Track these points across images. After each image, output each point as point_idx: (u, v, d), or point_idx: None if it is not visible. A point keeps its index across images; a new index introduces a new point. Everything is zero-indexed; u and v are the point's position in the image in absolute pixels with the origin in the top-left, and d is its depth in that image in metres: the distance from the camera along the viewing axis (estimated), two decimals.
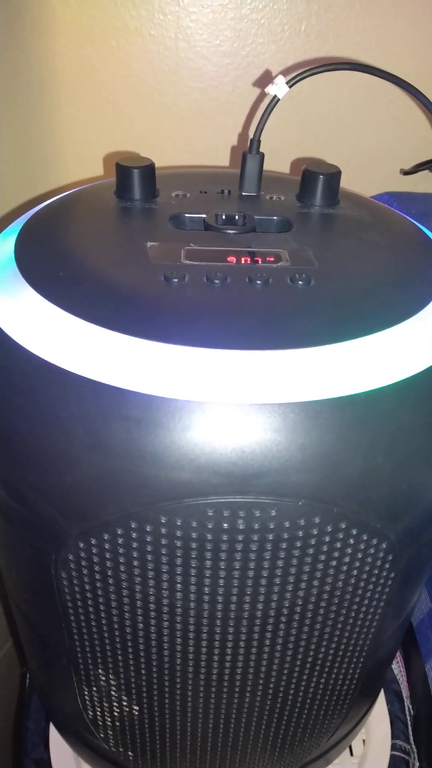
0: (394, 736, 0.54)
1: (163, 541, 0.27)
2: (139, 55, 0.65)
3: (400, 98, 0.66)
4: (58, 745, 0.51)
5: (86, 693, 0.39)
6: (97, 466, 0.26)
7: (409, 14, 0.63)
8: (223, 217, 0.35)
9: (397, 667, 0.59)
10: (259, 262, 0.31)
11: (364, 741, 0.54)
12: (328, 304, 0.28)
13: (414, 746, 0.54)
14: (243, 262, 0.31)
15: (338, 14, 0.63)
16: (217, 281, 0.29)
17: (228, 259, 0.31)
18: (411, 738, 0.54)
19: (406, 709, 0.56)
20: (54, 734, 0.52)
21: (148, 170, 0.37)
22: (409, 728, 0.55)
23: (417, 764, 0.53)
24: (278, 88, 0.36)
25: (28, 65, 0.63)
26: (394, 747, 0.53)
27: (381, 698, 0.56)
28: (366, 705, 0.47)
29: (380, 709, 0.55)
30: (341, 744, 0.48)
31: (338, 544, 0.28)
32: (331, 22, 0.63)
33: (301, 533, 0.27)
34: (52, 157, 0.70)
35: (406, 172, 0.65)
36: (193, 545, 0.27)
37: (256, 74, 0.66)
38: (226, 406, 0.25)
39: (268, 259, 0.31)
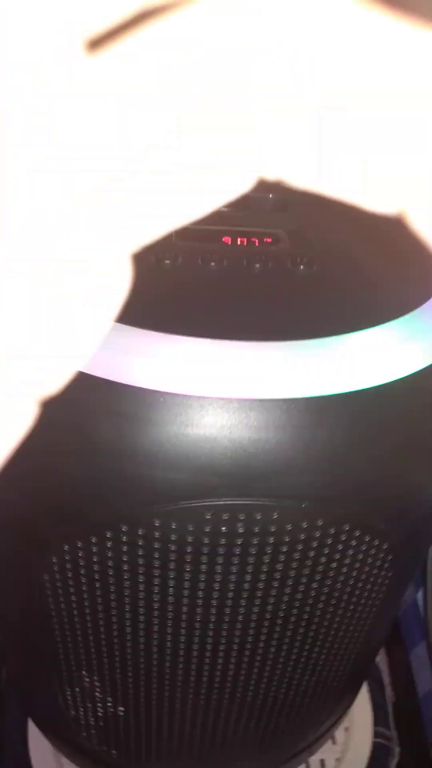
0: (376, 723, 0.54)
1: (156, 546, 0.25)
2: None
3: None
4: (37, 743, 0.49)
5: (69, 693, 0.37)
6: (84, 465, 0.24)
7: None
8: None
9: (380, 655, 0.59)
10: (257, 244, 0.29)
11: (346, 729, 0.53)
12: (333, 291, 0.26)
13: (395, 732, 0.54)
14: (239, 243, 0.29)
15: None
16: (213, 263, 0.26)
17: (223, 239, 0.29)
18: (392, 724, 0.54)
19: (387, 696, 0.56)
20: (33, 732, 0.50)
21: None
22: (390, 714, 0.55)
23: (397, 749, 0.53)
24: None
25: None
26: (376, 734, 0.53)
27: (363, 687, 0.56)
28: (351, 697, 0.47)
29: (362, 697, 0.55)
30: (326, 735, 0.48)
31: (340, 546, 0.26)
32: None
33: (302, 536, 0.25)
34: None
35: None
36: (189, 549, 0.25)
37: None
38: (227, 401, 0.23)
39: (265, 240, 0.29)
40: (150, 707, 0.35)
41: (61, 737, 0.43)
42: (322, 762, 0.51)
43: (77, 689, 0.36)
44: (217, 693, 0.33)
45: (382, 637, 0.41)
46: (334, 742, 0.52)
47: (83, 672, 0.34)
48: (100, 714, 0.37)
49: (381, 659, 0.58)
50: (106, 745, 0.40)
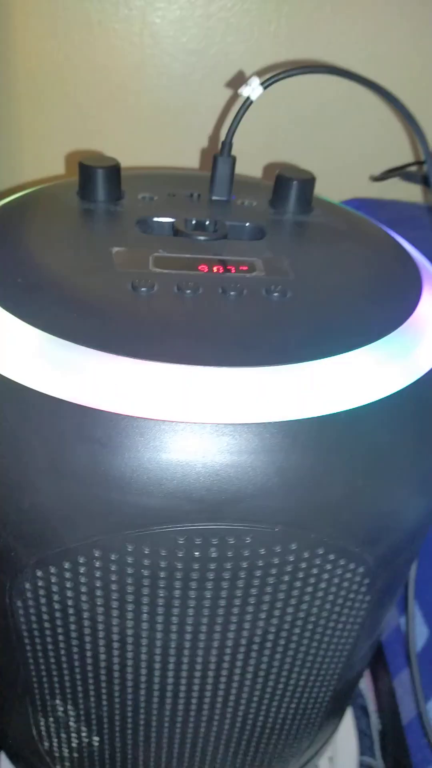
0: (361, 752, 0.53)
1: (129, 571, 0.25)
2: (103, 50, 0.63)
3: (371, 104, 0.65)
4: None
5: (42, 724, 0.36)
6: (57, 490, 0.24)
7: (378, 18, 0.62)
8: (193, 222, 0.33)
9: (364, 682, 0.58)
10: (233, 272, 0.29)
11: (330, 758, 0.53)
12: (306, 318, 0.27)
13: (382, 761, 0.53)
14: (215, 270, 0.29)
15: (308, 17, 0.62)
16: (188, 291, 0.27)
17: (199, 267, 0.29)
18: (378, 753, 0.53)
19: (373, 724, 0.55)
20: (6, 766, 0.49)
21: (113, 170, 0.35)
22: (376, 743, 0.54)
23: None
24: (252, 89, 0.34)
25: None
26: (361, 764, 0.52)
27: (348, 715, 0.55)
28: (334, 725, 0.46)
29: (347, 725, 0.54)
30: (309, 765, 0.47)
31: (315, 570, 0.26)
32: (300, 25, 0.62)
33: (276, 560, 0.25)
34: (9, 154, 0.67)
35: (376, 179, 0.65)
36: (162, 575, 0.25)
37: (223, 73, 0.65)
38: (199, 426, 0.23)
39: (241, 268, 0.30)
40: (125, 736, 0.34)
41: None
42: None
43: (51, 719, 0.36)
44: (194, 720, 0.33)
45: (364, 663, 0.41)
46: None
47: (57, 701, 0.34)
48: (74, 745, 0.37)
49: (366, 686, 0.58)
50: None
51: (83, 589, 0.26)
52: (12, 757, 0.46)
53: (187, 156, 0.69)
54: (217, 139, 0.67)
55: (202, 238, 0.32)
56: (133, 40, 0.63)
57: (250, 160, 0.68)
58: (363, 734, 0.54)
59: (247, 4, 0.62)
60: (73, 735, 0.36)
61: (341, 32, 0.63)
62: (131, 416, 0.23)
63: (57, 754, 0.38)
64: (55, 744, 0.37)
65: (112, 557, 0.24)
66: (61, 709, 0.34)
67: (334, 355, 0.25)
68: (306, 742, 0.41)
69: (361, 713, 0.55)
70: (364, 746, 0.53)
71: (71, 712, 0.34)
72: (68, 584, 0.26)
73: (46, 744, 0.38)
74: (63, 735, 0.36)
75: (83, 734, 0.35)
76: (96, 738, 0.35)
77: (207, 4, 0.62)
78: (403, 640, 0.48)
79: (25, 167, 0.68)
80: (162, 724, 0.33)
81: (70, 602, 0.27)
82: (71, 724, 0.35)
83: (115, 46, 0.63)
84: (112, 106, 0.65)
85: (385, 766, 0.53)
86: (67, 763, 0.38)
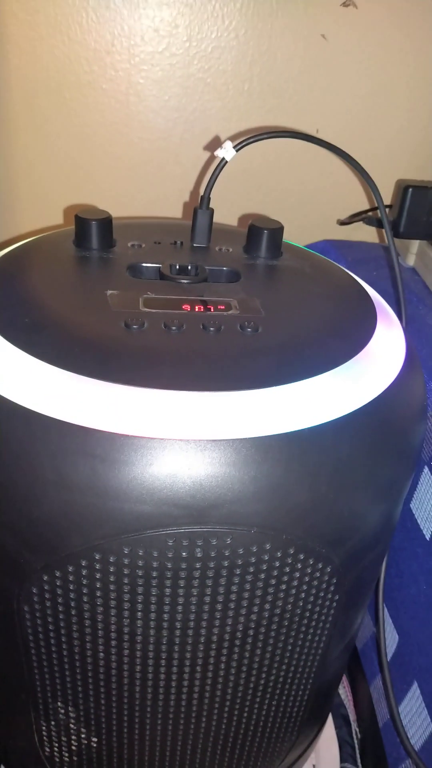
0: (342, 759, 0.56)
1: (126, 571, 0.28)
2: (92, 108, 0.68)
3: (335, 158, 0.71)
4: None
5: (44, 728, 0.39)
6: (62, 501, 0.27)
7: (341, 80, 0.69)
8: (177, 267, 0.38)
9: (344, 692, 0.61)
10: (212, 310, 0.34)
11: (314, 766, 0.55)
12: (274, 349, 0.31)
13: None
14: (197, 309, 0.34)
15: (278, 77, 0.68)
16: (174, 328, 0.31)
17: (183, 306, 0.34)
18: (359, 761, 0.56)
19: (354, 732, 0.58)
20: None
21: (106, 222, 0.39)
22: (357, 751, 0.57)
23: None
24: (226, 151, 0.39)
25: None
26: None
27: (329, 723, 0.58)
28: (315, 728, 0.49)
29: (329, 733, 0.57)
30: None
31: (287, 569, 0.30)
32: (271, 84, 0.69)
33: (253, 559, 0.29)
34: (5, 208, 0.72)
35: (342, 223, 0.70)
36: (154, 574, 0.28)
37: (202, 127, 0.71)
38: (185, 442, 0.27)
39: (219, 307, 0.34)
40: (121, 735, 0.37)
41: None
42: None
43: (53, 722, 0.38)
44: (184, 715, 0.36)
45: (340, 666, 0.44)
46: None
47: (59, 703, 0.37)
48: (74, 747, 0.39)
49: (346, 697, 0.61)
50: None
51: (85, 590, 0.30)
52: (12, 767, 0.48)
53: (169, 202, 0.74)
54: (192, 185, 0.73)
55: (185, 281, 0.37)
56: (119, 99, 0.69)
57: (227, 207, 0.74)
58: (344, 742, 0.57)
59: (223, 65, 0.68)
60: (73, 737, 0.39)
61: (309, 87, 0.69)
62: (126, 435, 0.27)
63: (57, 759, 0.41)
64: (56, 748, 0.40)
65: (111, 559, 0.28)
66: (62, 711, 0.37)
67: (298, 380, 0.29)
68: (288, 743, 0.44)
69: (342, 722, 0.58)
70: (346, 753, 0.56)
71: (72, 714, 0.37)
72: (71, 586, 0.30)
73: (47, 749, 0.41)
74: (63, 738, 0.39)
75: (83, 736, 0.38)
76: (94, 738, 0.38)
77: (186, 66, 0.68)
78: (377, 647, 0.52)
79: (23, 217, 0.73)
80: (155, 720, 0.36)
81: (72, 603, 0.30)
82: (72, 726, 0.38)
83: (103, 104, 0.68)
84: (99, 158, 0.71)
85: None
86: (66, 767, 0.41)
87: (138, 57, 0.67)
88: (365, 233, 0.75)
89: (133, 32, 0.66)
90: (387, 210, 0.64)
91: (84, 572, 0.29)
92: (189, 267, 0.38)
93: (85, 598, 0.30)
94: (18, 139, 0.69)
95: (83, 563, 0.29)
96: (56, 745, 0.40)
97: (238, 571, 0.29)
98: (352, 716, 0.59)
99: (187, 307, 0.34)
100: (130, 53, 0.67)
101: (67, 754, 0.40)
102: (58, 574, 0.29)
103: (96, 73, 0.67)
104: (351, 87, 0.70)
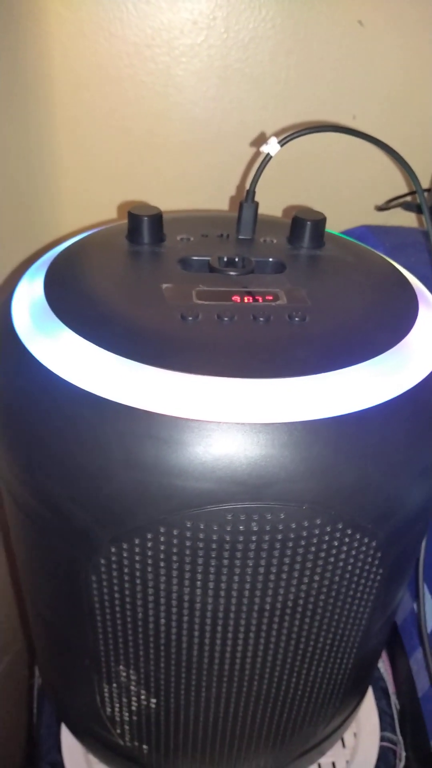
0: (382, 729, 0.58)
1: (187, 543, 0.31)
2: (132, 101, 0.70)
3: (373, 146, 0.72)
4: (70, 748, 0.54)
5: (106, 690, 0.42)
6: (130, 479, 0.30)
7: (378, 66, 0.69)
8: (225, 259, 0.40)
9: (383, 666, 0.63)
10: (260, 301, 0.36)
11: (355, 734, 0.58)
12: (322, 338, 0.33)
13: (401, 737, 0.58)
14: (246, 301, 0.36)
15: (314, 65, 0.69)
16: (226, 319, 0.33)
17: (233, 298, 0.36)
18: (398, 730, 0.59)
19: (393, 704, 0.61)
20: (66, 738, 0.55)
21: (157, 218, 0.41)
22: (396, 721, 0.59)
23: (404, 753, 0.58)
24: (271, 147, 0.41)
25: (26, 112, 0.68)
26: (382, 738, 0.57)
27: (369, 694, 0.60)
28: (356, 697, 0.52)
29: (369, 704, 0.60)
30: (334, 735, 0.52)
31: (336, 542, 0.32)
32: (308, 72, 0.70)
33: (305, 533, 0.31)
34: (51, 203, 0.74)
35: (379, 208, 0.71)
36: (213, 546, 0.31)
37: (239, 117, 0.72)
38: (242, 425, 0.29)
39: (267, 298, 0.36)
40: (179, 697, 0.40)
41: (95, 737, 0.48)
42: (333, 764, 0.55)
43: (114, 685, 0.42)
44: (238, 681, 0.39)
45: (381, 639, 0.47)
46: (344, 746, 0.57)
47: (121, 667, 0.40)
48: (134, 708, 0.43)
49: (386, 671, 0.63)
50: (138, 740, 0.45)
51: (149, 560, 0.32)
52: (74, 730, 0.52)
53: (207, 190, 0.76)
54: (230, 172, 0.74)
55: (233, 273, 0.39)
56: (158, 91, 0.70)
57: (268, 196, 0.75)
58: (384, 713, 0.59)
59: (260, 55, 0.69)
60: (134, 699, 0.42)
61: (346, 75, 0.70)
62: (188, 419, 0.29)
63: (118, 719, 0.44)
64: (116, 708, 0.43)
65: (174, 532, 0.31)
66: (123, 674, 0.40)
67: (345, 367, 0.31)
68: (332, 709, 0.47)
69: (382, 694, 0.60)
70: (385, 723, 0.58)
71: (132, 677, 0.40)
72: (137, 557, 0.32)
73: (108, 710, 0.44)
74: (124, 699, 0.42)
75: (142, 697, 0.41)
76: (153, 700, 0.41)
77: (224, 57, 0.69)
78: (417, 622, 0.54)
79: (68, 214, 0.75)
80: (210, 683, 0.39)
81: (138, 573, 0.33)
82: (132, 688, 0.41)
83: (144, 97, 0.70)
84: (140, 149, 0.73)
85: (403, 740, 0.58)
86: (126, 726, 0.44)
87: (177, 50, 0.68)
88: (402, 218, 0.75)
89: (172, 25, 0.67)
90: (426, 194, 0.65)
91: (149, 544, 0.32)
92: (236, 259, 0.40)
93: (149, 569, 0.33)
94: (61, 136, 0.71)
95: (149, 536, 0.31)
96: (117, 705, 0.43)
97: (290, 544, 0.31)
98: (391, 689, 0.61)
99: (236, 298, 0.36)
100: (170, 46, 0.68)
101: (127, 714, 0.43)
102: (125, 546, 0.32)
103: (136, 67, 0.69)
104: (388, 73, 0.70)
